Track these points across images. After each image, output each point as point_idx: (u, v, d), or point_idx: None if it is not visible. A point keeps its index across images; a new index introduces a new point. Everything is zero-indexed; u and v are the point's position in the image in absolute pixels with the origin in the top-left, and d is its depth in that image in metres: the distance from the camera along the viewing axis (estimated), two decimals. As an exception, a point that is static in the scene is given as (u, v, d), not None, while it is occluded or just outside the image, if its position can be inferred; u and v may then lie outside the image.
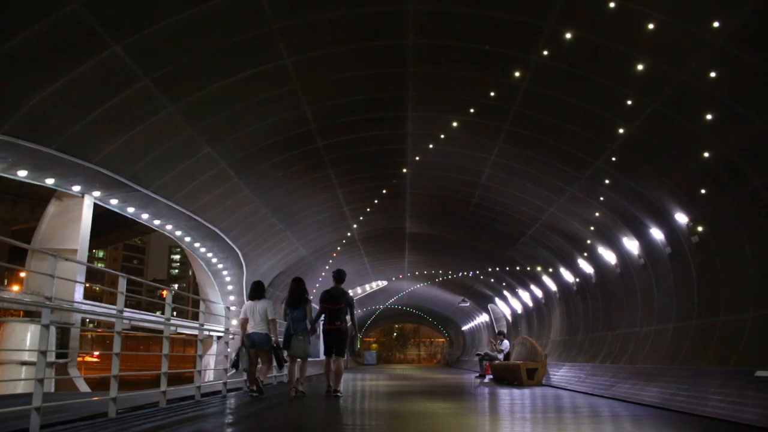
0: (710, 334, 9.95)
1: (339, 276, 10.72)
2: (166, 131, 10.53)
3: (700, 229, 10.22)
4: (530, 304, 23.84)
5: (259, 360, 10.40)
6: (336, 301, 10.31)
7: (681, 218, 10.60)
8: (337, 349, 10.33)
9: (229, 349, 12.40)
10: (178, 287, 71.01)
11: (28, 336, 13.55)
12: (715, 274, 10.12)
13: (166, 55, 8.79)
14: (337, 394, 10.19)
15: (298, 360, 10.51)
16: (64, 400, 8.09)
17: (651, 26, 7.51)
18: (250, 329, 10.18)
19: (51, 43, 7.53)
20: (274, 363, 10.43)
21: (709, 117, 8.32)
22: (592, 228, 14.15)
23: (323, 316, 10.48)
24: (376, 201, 17.28)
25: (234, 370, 11.27)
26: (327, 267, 24.50)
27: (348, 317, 10.41)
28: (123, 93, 9.08)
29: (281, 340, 10.64)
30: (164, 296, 9.29)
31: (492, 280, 25.49)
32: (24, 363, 13.25)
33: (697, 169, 9.43)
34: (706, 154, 8.93)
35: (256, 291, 10.51)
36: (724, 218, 9.62)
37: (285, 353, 10.35)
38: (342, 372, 10.54)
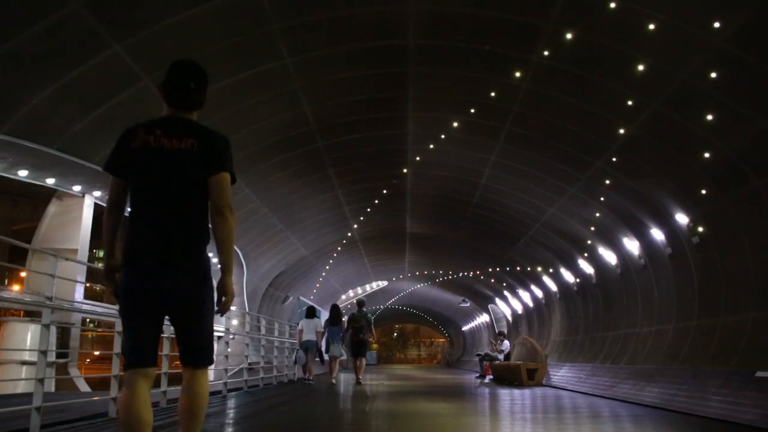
0: (711, 334, 9.95)
1: (360, 303, 15.77)
2: (166, 131, 10.52)
3: (700, 229, 10.22)
4: (530, 304, 23.84)
5: (309, 357, 15.46)
6: (359, 320, 15.00)
7: (681, 218, 10.60)
8: (361, 353, 15.24)
9: (229, 349, 12.76)
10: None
11: (28, 336, 13.55)
12: (715, 274, 10.12)
13: (166, 55, 8.74)
14: (361, 382, 14.74)
15: (335, 358, 14.99)
16: (65, 400, 8.10)
17: (651, 26, 7.51)
18: (304, 338, 15.08)
19: (52, 43, 7.52)
20: (317, 358, 15.80)
21: (709, 117, 8.33)
22: (592, 228, 14.15)
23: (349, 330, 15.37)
24: (376, 201, 17.28)
25: (295, 363, 16.80)
26: (327, 267, 24.51)
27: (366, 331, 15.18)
28: (124, 93, 9.07)
29: (323, 344, 15.41)
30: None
31: (492, 280, 25.49)
32: (24, 363, 13.25)
33: (697, 169, 9.43)
34: (707, 155, 8.93)
35: (311, 314, 15.58)
36: (724, 219, 9.63)
37: (325, 354, 15.33)
38: (364, 367, 15.37)
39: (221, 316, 3.23)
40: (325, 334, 15.27)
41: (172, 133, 3.16)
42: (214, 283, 3.20)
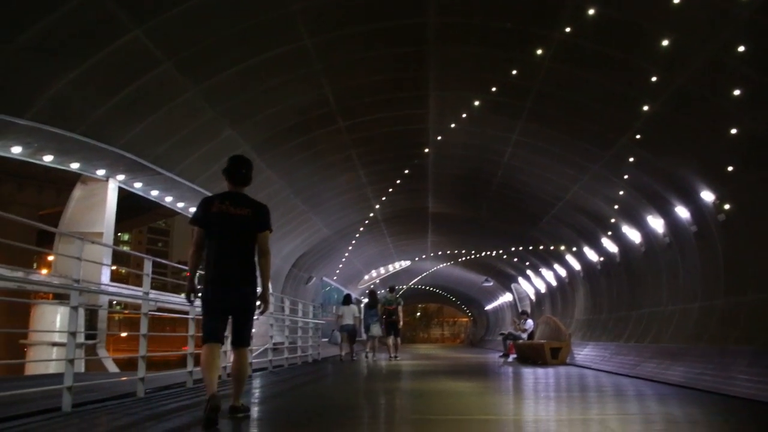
0: (737, 313, 9.83)
1: (392, 288, 18.56)
2: (188, 114, 10.59)
3: (726, 207, 10.05)
4: (554, 283, 23.74)
5: (347, 339, 17.51)
6: (391, 303, 17.58)
7: (707, 196, 10.44)
8: (394, 332, 17.67)
9: (253, 330, 12.96)
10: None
11: (57, 318, 13.82)
12: (742, 252, 9.97)
13: (187, 38, 8.82)
14: (396, 357, 17.31)
15: (374, 338, 17.71)
16: (94, 380, 8.26)
17: (676, 0, 7.35)
18: (343, 322, 17.10)
19: (73, 29, 7.58)
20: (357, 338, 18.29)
21: (737, 92, 8.14)
22: (616, 206, 14.00)
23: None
24: (398, 181, 17.26)
25: (329, 342, 18.97)
26: (350, 247, 24.61)
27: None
28: (145, 77, 9.14)
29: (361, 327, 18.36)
30: (189, 278, 9.35)
31: (515, 259, 25.42)
32: (54, 344, 13.54)
33: (723, 146, 9.25)
34: (734, 131, 8.75)
35: (347, 301, 17.61)
36: (751, 196, 9.46)
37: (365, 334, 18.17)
38: (398, 345, 18.14)
39: (262, 315, 5.57)
40: (362, 316, 18.01)
41: (236, 204, 5.34)
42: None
